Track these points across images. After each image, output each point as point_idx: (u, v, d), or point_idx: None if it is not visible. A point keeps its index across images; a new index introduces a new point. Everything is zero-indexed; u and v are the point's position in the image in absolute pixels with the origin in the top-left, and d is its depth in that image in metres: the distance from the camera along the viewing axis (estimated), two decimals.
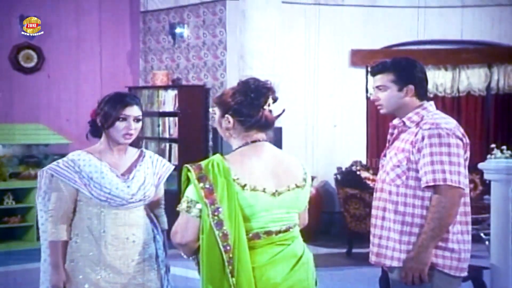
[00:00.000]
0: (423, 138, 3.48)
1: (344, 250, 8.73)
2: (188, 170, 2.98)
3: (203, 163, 3.00)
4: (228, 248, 2.89)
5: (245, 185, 2.97)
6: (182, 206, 2.98)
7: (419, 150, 3.48)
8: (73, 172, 3.59)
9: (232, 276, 2.89)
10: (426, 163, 3.45)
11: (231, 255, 2.89)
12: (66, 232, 3.60)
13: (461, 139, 3.52)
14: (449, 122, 3.56)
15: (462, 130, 3.56)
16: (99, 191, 3.57)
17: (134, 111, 3.70)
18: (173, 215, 3.06)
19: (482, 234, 8.00)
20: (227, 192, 2.93)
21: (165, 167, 3.85)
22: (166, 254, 3.78)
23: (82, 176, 3.59)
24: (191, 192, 2.98)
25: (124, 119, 3.65)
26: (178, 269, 3.93)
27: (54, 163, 3.66)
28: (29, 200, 8.86)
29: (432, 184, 3.43)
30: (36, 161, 9.14)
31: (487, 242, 7.43)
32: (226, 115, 3.08)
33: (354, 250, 8.59)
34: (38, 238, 8.45)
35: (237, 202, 2.94)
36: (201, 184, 2.94)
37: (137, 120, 3.71)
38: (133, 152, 3.78)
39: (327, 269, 7.65)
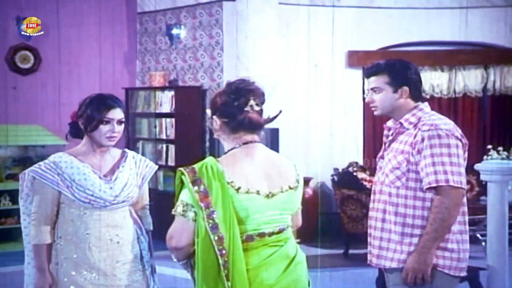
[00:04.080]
0: (422, 140, 3.49)
1: (341, 251, 8.74)
2: (182, 173, 2.97)
3: (196, 166, 2.98)
4: (223, 251, 2.88)
5: (239, 188, 2.96)
6: (178, 210, 2.97)
7: (419, 152, 3.49)
8: (55, 174, 3.57)
9: (228, 280, 2.89)
10: (427, 164, 3.46)
11: (226, 259, 2.88)
12: (49, 234, 3.58)
13: (460, 140, 3.54)
14: (447, 123, 3.57)
15: (460, 131, 3.58)
16: (81, 193, 3.55)
17: (117, 113, 3.63)
18: (169, 217, 3.04)
19: (478, 235, 8.01)
20: (222, 195, 2.92)
21: (149, 167, 3.81)
22: (151, 255, 3.76)
23: (65, 178, 3.56)
24: (186, 196, 2.96)
25: (108, 122, 3.60)
26: (167, 269, 3.92)
27: (36, 165, 3.63)
28: None
29: (434, 185, 3.44)
30: (32, 162, 9.14)
31: (483, 243, 7.44)
32: (214, 116, 3.10)
33: (351, 251, 8.59)
34: None
35: (231, 205, 2.93)
36: (196, 188, 2.92)
37: (120, 122, 3.64)
38: (115, 153, 3.75)
39: (324, 270, 7.65)
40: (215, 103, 3.10)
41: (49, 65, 9.83)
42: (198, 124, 9.58)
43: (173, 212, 2.99)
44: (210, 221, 2.89)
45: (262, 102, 3.10)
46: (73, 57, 10.00)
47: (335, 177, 8.93)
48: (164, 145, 9.67)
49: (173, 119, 9.51)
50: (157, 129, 9.74)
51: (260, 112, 3.10)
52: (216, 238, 2.88)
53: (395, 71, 3.65)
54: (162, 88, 9.77)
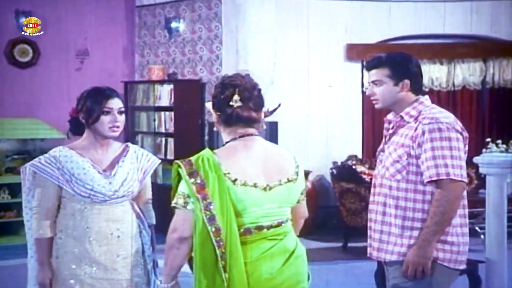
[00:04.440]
0: (423, 133, 3.49)
1: (339, 244, 8.74)
2: (179, 166, 2.99)
3: (193, 158, 3.00)
4: (220, 243, 2.89)
5: (235, 180, 2.97)
6: (179, 202, 2.98)
7: (419, 145, 3.50)
8: (55, 168, 3.57)
9: (225, 271, 2.90)
10: (428, 157, 3.46)
11: (223, 250, 2.90)
12: (50, 228, 3.59)
13: (461, 133, 3.55)
14: (448, 116, 3.58)
15: (460, 124, 3.59)
16: (81, 187, 3.55)
17: (116, 103, 3.63)
18: (169, 210, 3.05)
19: (477, 228, 8.02)
20: (219, 187, 2.94)
21: (150, 161, 3.80)
22: (153, 249, 3.77)
23: (64, 173, 3.56)
24: (184, 187, 2.98)
25: (108, 112, 3.59)
26: None
27: (36, 159, 3.63)
28: None
29: (435, 178, 3.45)
30: (31, 155, 9.14)
31: (482, 236, 7.46)
32: (212, 110, 3.13)
33: (350, 244, 8.60)
34: None
35: (228, 197, 2.94)
36: (192, 180, 2.94)
37: (120, 112, 3.64)
38: (117, 147, 3.74)
39: (323, 263, 7.66)
40: (212, 97, 3.14)
41: (47, 59, 9.83)
42: (197, 118, 9.58)
43: (173, 205, 3.00)
44: (207, 212, 2.90)
45: (251, 97, 3.08)
46: (72, 50, 9.99)
47: (334, 170, 8.94)
48: (163, 139, 9.67)
49: (172, 113, 9.51)
50: (156, 122, 9.74)
51: (252, 107, 3.08)
52: (213, 229, 2.89)
53: (396, 64, 3.65)
54: (161, 82, 9.76)
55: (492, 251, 5.43)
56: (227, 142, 3.11)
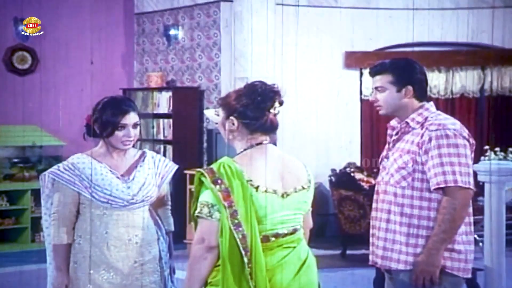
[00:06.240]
0: (430, 140, 3.46)
1: (338, 252, 8.74)
2: (202, 174, 2.98)
3: (214, 166, 3.00)
4: (247, 250, 2.90)
5: (258, 187, 2.99)
6: (203, 211, 2.96)
7: (426, 152, 3.46)
8: (73, 175, 3.59)
9: (251, 278, 2.91)
10: (435, 164, 3.43)
11: (249, 257, 2.91)
12: (68, 235, 3.61)
13: (468, 140, 3.53)
14: (455, 123, 3.56)
15: (467, 131, 3.56)
16: (100, 193, 3.57)
17: (132, 118, 3.67)
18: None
19: (476, 236, 8.01)
20: (242, 194, 2.95)
21: (168, 167, 3.83)
22: (171, 256, 3.79)
23: (83, 179, 3.59)
24: (208, 196, 2.96)
25: (123, 127, 3.62)
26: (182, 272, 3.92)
27: (55, 167, 3.67)
28: (23, 202, 8.86)
29: (443, 185, 3.41)
30: (30, 163, 9.14)
31: (481, 244, 7.45)
32: (231, 117, 3.09)
33: (348, 252, 8.59)
34: (32, 240, 8.51)
35: (251, 204, 2.95)
36: (217, 187, 2.93)
37: (135, 125, 3.68)
38: (134, 153, 3.77)
39: (322, 271, 7.59)
40: (232, 104, 3.09)
41: (46, 66, 9.83)
42: (195, 125, 9.59)
43: (197, 214, 2.98)
44: (234, 220, 2.91)
45: (282, 104, 3.13)
46: (71, 57, 9.99)
47: (333, 178, 8.93)
48: (162, 146, 9.67)
49: (171, 120, 9.51)
50: (155, 130, 9.74)
51: (277, 114, 3.13)
52: (240, 236, 2.90)
53: (399, 70, 3.62)
54: (160, 89, 9.77)
55: (490, 259, 5.43)
56: (242, 150, 3.10)
